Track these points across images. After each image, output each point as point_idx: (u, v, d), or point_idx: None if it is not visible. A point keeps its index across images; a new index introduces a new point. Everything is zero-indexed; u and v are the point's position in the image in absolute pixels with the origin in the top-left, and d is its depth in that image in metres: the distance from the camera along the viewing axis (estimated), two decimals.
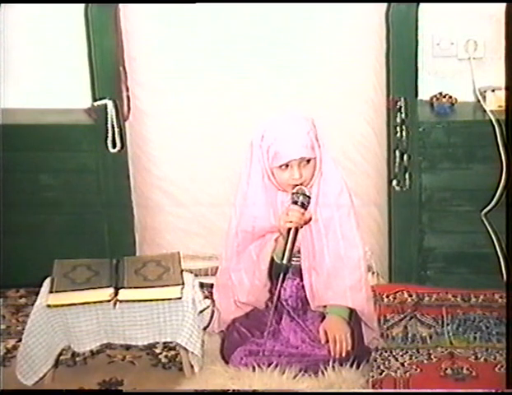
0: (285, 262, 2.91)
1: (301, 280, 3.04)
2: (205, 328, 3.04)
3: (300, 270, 3.02)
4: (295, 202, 2.91)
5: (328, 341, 2.93)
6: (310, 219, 2.95)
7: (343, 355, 2.91)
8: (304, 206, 2.91)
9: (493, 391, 2.74)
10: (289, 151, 2.88)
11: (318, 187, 2.96)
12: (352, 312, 3.00)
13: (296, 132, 2.90)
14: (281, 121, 2.94)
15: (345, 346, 2.92)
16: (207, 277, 3.50)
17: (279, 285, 2.96)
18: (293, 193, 2.92)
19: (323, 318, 3.00)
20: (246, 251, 3.02)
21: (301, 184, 2.92)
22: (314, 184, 2.96)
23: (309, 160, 2.91)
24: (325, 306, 3.01)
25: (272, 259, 3.00)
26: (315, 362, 2.91)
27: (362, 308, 2.99)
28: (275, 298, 3.01)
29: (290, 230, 2.90)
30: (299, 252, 3.01)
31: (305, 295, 3.04)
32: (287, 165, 2.90)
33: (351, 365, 2.91)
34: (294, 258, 2.99)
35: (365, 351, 3.00)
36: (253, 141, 2.95)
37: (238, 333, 3.02)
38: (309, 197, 2.91)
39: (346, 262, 2.97)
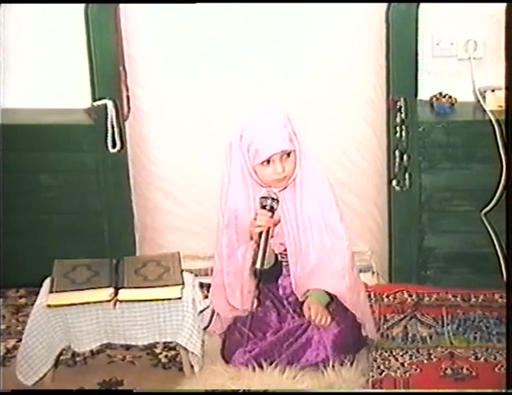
0: (258, 266, 2.89)
1: None
2: (205, 328, 3.05)
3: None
4: (264, 207, 2.91)
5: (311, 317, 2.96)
6: (279, 221, 2.95)
7: (325, 323, 2.93)
8: (272, 209, 2.91)
9: (493, 391, 2.74)
10: (269, 146, 2.90)
11: (301, 179, 2.97)
12: (333, 300, 3.01)
13: (274, 127, 2.92)
14: (257, 118, 2.96)
15: (325, 318, 2.94)
16: (207, 277, 3.49)
17: (253, 293, 2.99)
18: (261, 197, 2.93)
19: None
20: (234, 255, 3.02)
21: (285, 178, 2.93)
22: (297, 177, 2.97)
23: (289, 154, 2.93)
24: (307, 292, 3.01)
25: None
26: (316, 362, 2.92)
27: (343, 295, 2.99)
28: (271, 302, 3.05)
29: (261, 233, 2.90)
30: (285, 250, 3.03)
31: None
32: (269, 161, 2.91)
33: (352, 364, 2.92)
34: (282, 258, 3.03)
35: (362, 342, 3.04)
36: (232, 143, 2.96)
37: (240, 334, 3.02)
38: (277, 200, 2.92)
39: (330, 253, 2.98)
